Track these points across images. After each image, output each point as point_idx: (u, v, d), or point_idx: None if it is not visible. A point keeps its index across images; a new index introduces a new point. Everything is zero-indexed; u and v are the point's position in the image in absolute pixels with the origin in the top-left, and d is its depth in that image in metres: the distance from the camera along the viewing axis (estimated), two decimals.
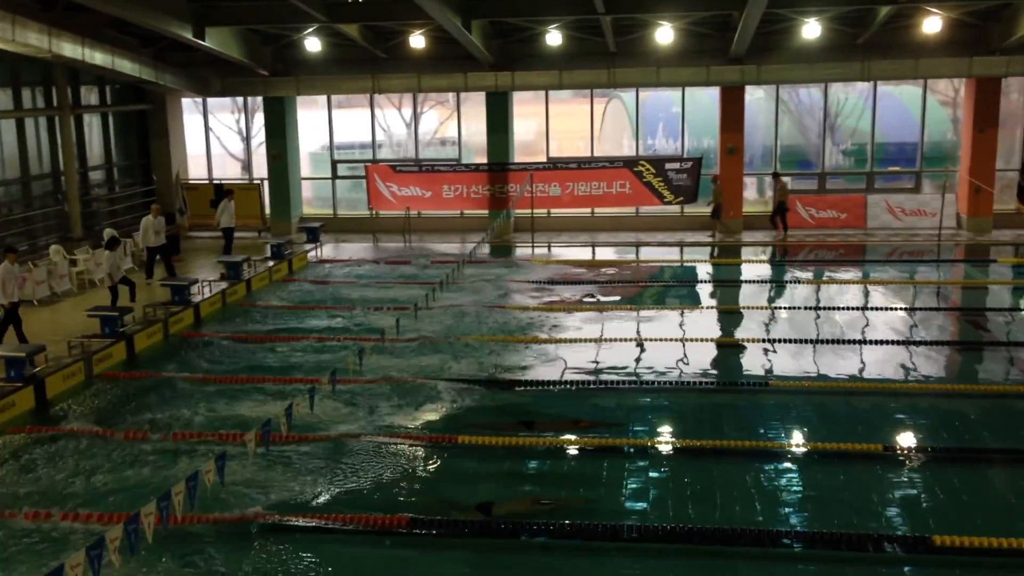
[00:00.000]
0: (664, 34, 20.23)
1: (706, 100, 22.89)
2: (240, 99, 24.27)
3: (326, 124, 23.83)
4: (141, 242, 16.95)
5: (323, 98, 23.70)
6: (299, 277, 17.60)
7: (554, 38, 20.88)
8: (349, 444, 8.52)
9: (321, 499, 7.43)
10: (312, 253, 19.81)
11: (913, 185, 22.38)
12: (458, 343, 12.04)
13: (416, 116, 24.37)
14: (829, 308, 13.95)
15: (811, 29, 19.72)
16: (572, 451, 8.54)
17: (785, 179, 21.40)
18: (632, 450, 8.33)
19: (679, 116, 23.36)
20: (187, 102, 23.55)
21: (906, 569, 6.17)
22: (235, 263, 16.38)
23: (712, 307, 14.78)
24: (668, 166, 21.70)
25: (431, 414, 9.45)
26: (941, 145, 23.13)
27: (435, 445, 8.52)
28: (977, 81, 20.72)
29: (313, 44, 20.98)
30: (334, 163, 24.00)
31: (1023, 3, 18.02)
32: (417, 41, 20.67)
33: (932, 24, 19.26)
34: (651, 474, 7.86)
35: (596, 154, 23.25)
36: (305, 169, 24.50)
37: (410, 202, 22.23)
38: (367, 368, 10.47)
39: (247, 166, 24.96)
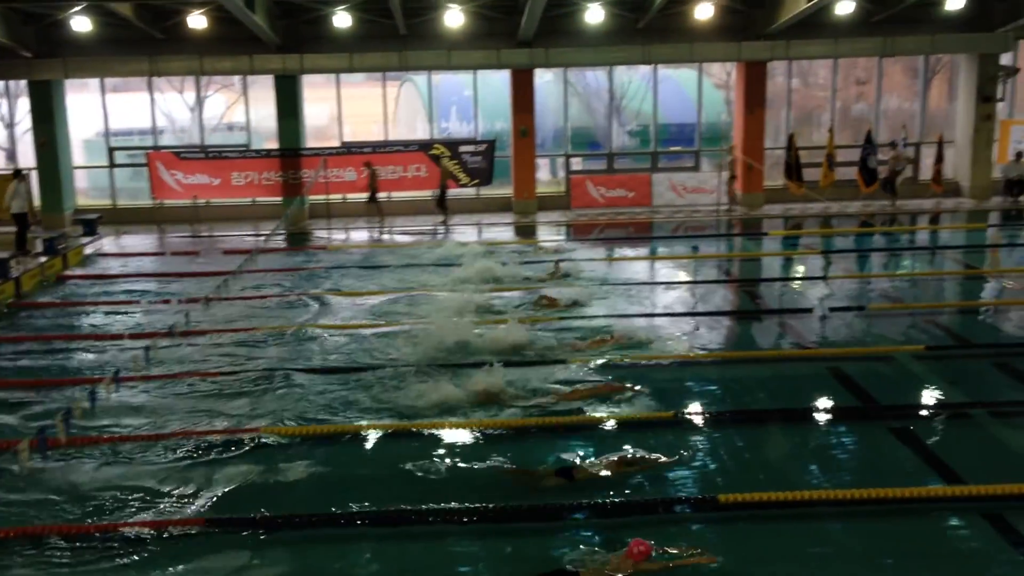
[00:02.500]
0: (454, 17, 20.33)
1: (498, 83, 23.21)
2: (1, 83, 22.41)
3: (100, 109, 22.37)
4: None
5: (96, 81, 22.23)
6: (76, 273, 16.42)
7: (343, 20, 20.50)
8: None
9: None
10: (90, 247, 18.57)
11: (693, 164, 23.62)
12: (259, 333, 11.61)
13: (200, 100, 23.30)
14: (617, 284, 14.44)
15: (594, 14, 20.38)
16: None
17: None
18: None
19: (472, 99, 23.56)
20: None
21: (694, 527, 6.49)
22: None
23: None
24: (463, 149, 21.87)
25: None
26: (717, 126, 24.55)
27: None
28: (746, 65, 22.09)
29: (82, 24, 19.62)
30: (111, 150, 22.58)
31: None
32: (197, 21, 19.72)
33: (704, 10, 20.36)
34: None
35: (391, 138, 23.09)
36: (78, 157, 22.93)
37: (197, 190, 21.29)
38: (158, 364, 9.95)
39: (11, 155, 23.10)
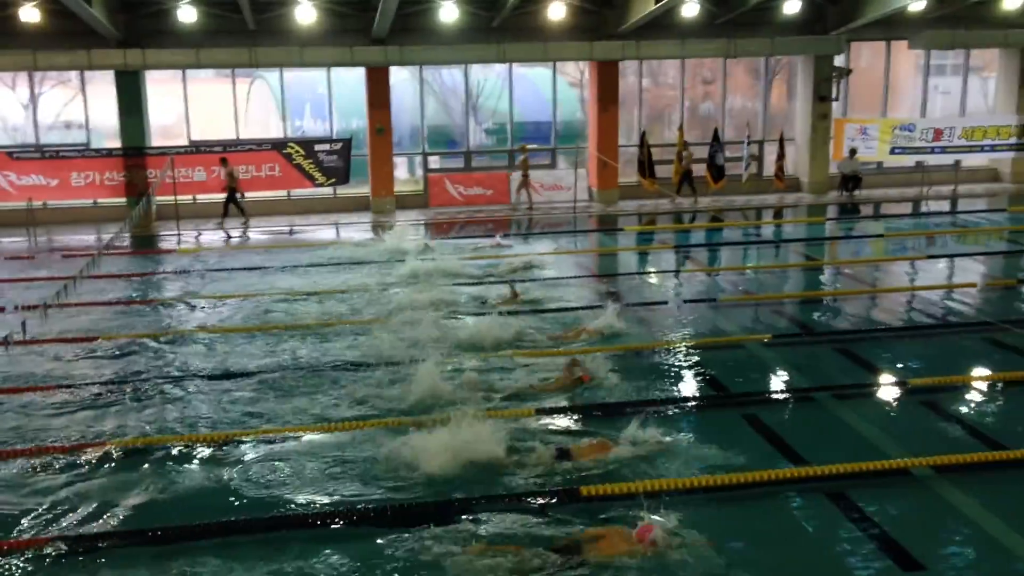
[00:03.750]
0: (305, 13, 19.93)
1: (353, 80, 22.87)
2: None
3: None
4: None
5: None
6: None
7: (188, 14, 19.79)
8: None
9: None
10: None
11: (549, 162, 23.93)
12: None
13: (34, 98, 22.01)
14: (474, 283, 14.46)
15: (449, 12, 20.36)
16: None
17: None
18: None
19: (327, 97, 23.14)
20: None
21: (559, 516, 6.54)
22: None
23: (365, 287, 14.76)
24: (318, 148, 21.46)
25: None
26: (572, 124, 24.94)
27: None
28: (599, 64, 22.53)
29: None
30: None
31: None
32: (30, 15, 18.63)
33: (556, 10, 20.64)
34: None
35: (242, 136, 22.42)
36: None
37: (32, 192, 20.09)
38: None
39: None
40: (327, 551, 6.10)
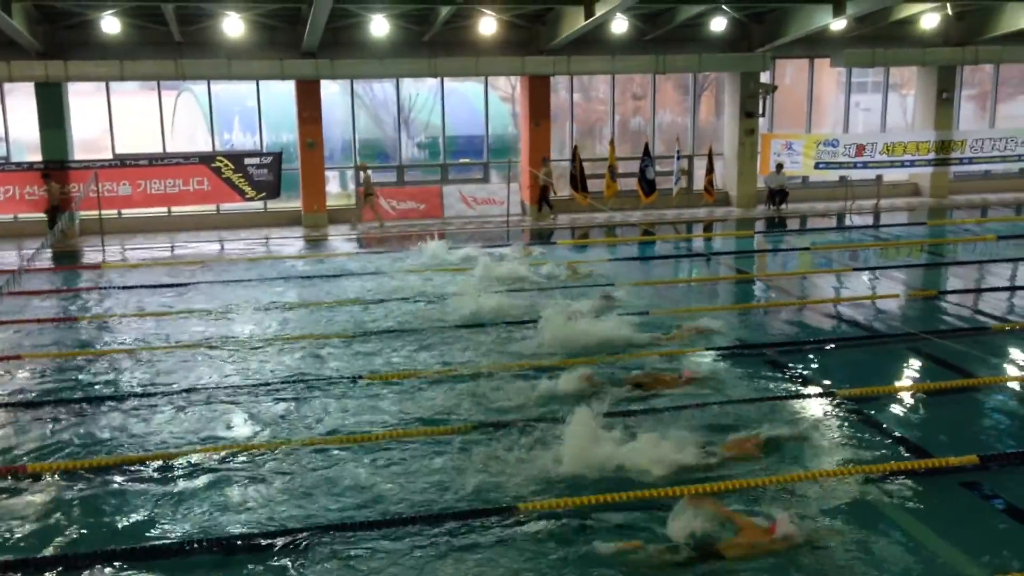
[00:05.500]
0: (233, 25, 19.67)
1: (283, 94, 22.62)
2: None
3: None
4: None
5: None
6: None
7: (111, 25, 19.37)
8: None
9: None
10: None
11: (482, 176, 23.97)
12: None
13: None
14: (409, 299, 14.40)
15: (379, 26, 20.28)
16: None
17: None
18: None
19: (256, 110, 22.84)
20: None
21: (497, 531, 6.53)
22: None
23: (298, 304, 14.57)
24: (248, 161, 21.14)
25: None
26: (504, 138, 25.03)
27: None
28: (530, 79, 22.66)
29: None
30: None
31: (564, 8, 19.99)
32: None
33: (488, 25, 20.70)
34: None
35: (169, 150, 21.98)
36: None
37: None
38: None
39: None
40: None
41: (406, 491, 7.19)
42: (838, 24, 20.74)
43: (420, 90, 24.19)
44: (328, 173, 22.94)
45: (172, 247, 19.82)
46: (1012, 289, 14.61)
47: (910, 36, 23.42)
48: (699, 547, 6.06)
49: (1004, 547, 6.20)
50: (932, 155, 23.87)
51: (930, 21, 22.39)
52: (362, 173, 21.96)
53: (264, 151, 22.02)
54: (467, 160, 24.30)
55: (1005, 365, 10.51)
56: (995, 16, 22.50)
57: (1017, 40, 23.28)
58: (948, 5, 21.07)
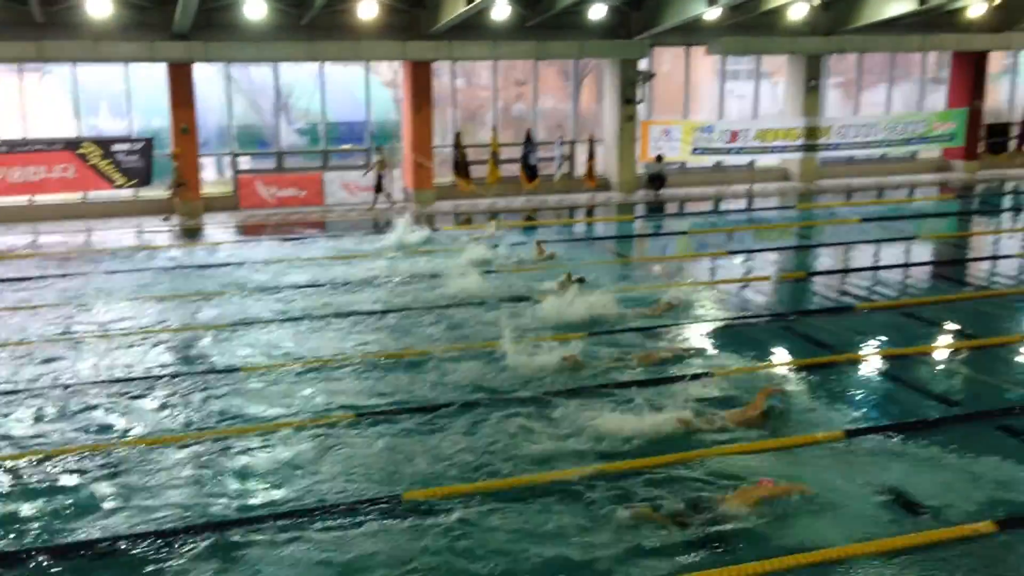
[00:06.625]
0: (99, 5, 18.83)
1: (154, 77, 21.78)
2: None
3: None
4: None
5: None
6: None
7: None
8: None
9: None
10: None
11: (365, 162, 23.65)
12: None
13: None
14: (275, 289, 14.15)
15: (255, 8, 19.73)
16: None
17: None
18: None
19: (125, 94, 21.95)
20: None
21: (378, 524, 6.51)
22: None
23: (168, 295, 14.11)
24: (116, 147, 20.35)
25: None
26: (386, 124, 24.77)
27: None
28: (412, 64, 22.48)
29: None
30: None
31: None
32: None
33: (368, 9, 20.41)
34: None
35: (30, 135, 20.90)
36: None
37: None
38: None
39: None
40: None
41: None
42: (713, 13, 21.27)
43: (299, 75, 23.68)
44: (203, 160, 22.26)
45: (35, 238, 18.90)
46: (875, 269, 15.33)
47: (780, 26, 24.22)
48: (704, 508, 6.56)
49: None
50: (801, 141, 24.76)
51: (798, 11, 23.20)
52: (175, 162, 20.92)
53: (134, 137, 21.20)
54: (349, 146, 23.95)
55: (870, 342, 11.02)
56: (859, 7, 23.48)
57: (879, 30, 24.37)
58: None
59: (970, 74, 26.58)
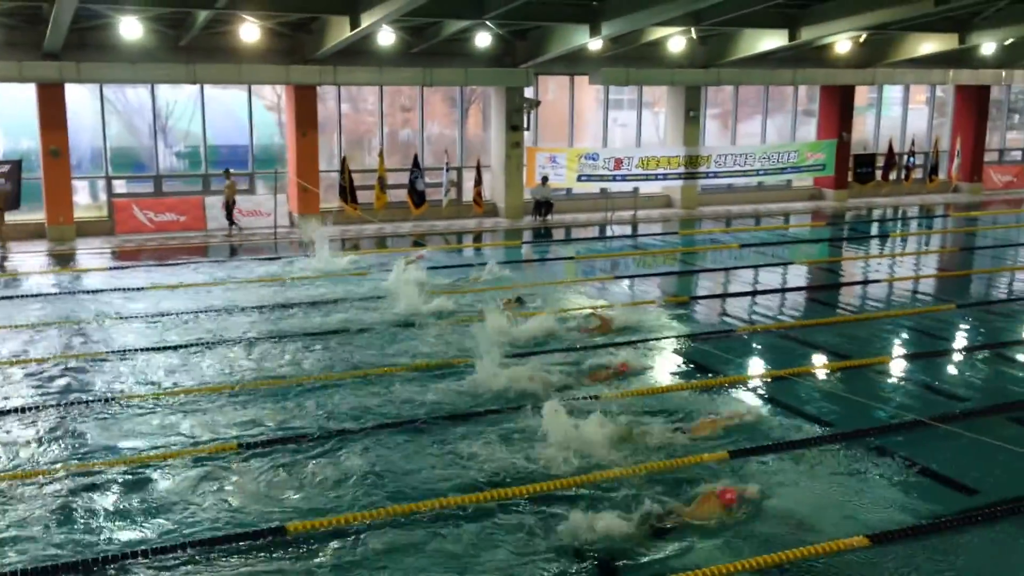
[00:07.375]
0: None
1: (22, 97, 20.84)
2: None
3: None
4: None
5: None
6: None
7: None
8: None
9: None
10: None
11: (248, 187, 23.16)
12: None
13: None
14: (170, 314, 13.71)
15: (130, 28, 19.14)
16: None
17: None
18: None
19: None
20: None
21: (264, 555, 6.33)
22: None
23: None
24: None
25: None
26: (270, 148, 24.30)
27: None
28: (296, 88, 22.18)
29: None
30: None
31: (330, 18, 19.71)
32: None
33: (250, 32, 20.04)
34: None
35: None
36: None
37: None
38: None
39: None
40: None
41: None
42: (595, 44, 21.71)
43: (178, 97, 23.02)
44: (76, 183, 21.40)
45: None
46: (754, 294, 15.84)
47: (660, 57, 24.92)
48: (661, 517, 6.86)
49: None
50: (682, 169, 25.48)
51: (677, 44, 23.91)
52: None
53: (1, 159, 20.22)
54: (231, 171, 23.38)
55: (748, 363, 11.36)
56: (734, 41, 24.40)
57: (753, 64, 25.38)
58: (692, 29, 22.57)
59: (838, 107, 27.91)
